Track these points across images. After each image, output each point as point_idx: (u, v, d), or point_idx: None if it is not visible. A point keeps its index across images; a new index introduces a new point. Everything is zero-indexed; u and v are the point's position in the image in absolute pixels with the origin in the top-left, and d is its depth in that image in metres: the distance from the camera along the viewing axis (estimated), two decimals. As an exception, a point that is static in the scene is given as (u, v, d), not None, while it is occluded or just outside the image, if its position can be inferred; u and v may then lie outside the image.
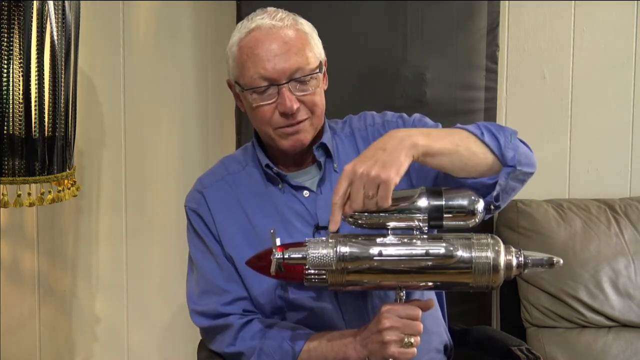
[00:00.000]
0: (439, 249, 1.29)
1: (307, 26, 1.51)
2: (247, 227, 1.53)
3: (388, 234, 1.32)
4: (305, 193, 1.54)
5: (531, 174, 1.44)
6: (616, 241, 2.16)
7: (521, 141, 1.46)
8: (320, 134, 1.56)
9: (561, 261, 1.33)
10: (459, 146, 1.36)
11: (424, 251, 1.29)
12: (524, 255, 1.31)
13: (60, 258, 2.25)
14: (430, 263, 1.29)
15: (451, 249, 1.29)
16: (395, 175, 1.27)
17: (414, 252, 1.30)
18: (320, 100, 1.50)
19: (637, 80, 2.37)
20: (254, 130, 1.60)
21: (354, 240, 1.31)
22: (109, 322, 2.29)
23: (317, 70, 1.48)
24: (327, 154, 1.56)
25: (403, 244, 1.31)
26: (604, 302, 2.11)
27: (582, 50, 2.35)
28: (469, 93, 2.16)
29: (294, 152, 1.52)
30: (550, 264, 1.32)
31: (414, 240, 1.31)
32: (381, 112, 1.64)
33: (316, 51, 1.50)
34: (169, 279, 2.29)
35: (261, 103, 1.47)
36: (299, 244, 1.33)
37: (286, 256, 1.30)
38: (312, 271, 1.34)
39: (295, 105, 1.45)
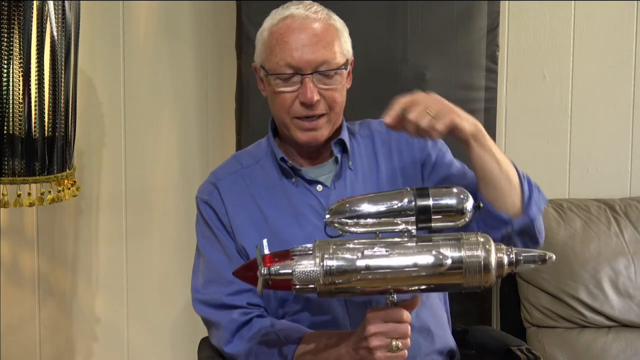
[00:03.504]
0: (428, 258, 1.25)
1: (339, 22, 1.54)
2: (259, 220, 1.54)
3: (377, 236, 1.30)
4: (319, 187, 1.55)
5: (533, 242, 1.48)
6: (616, 241, 2.16)
7: None
8: (338, 131, 1.58)
9: (554, 257, 1.30)
10: (501, 160, 1.42)
11: (413, 262, 1.26)
12: (515, 253, 1.28)
13: (60, 258, 2.25)
14: (419, 273, 1.26)
15: (440, 257, 1.25)
16: (457, 116, 1.34)
17: (402, 263, 1.26)
18: (340, 97, 1.52)
19: (637, 80, 2.37)
20: (269, 124, 1.61)
21: (339, 253, 1.26)
22: (109, 322, 2.29)
23: (343, 67, 1.51)
24: (344, 151, 1.57)
25: (391, 255, 1.26)
26: (604, 302, 2.11)
27: (582, 50, 2.35)
28: (469, 93, 2.16)
29: (308, 147, 1.55)
30: (543, 260, 1.29)
31: (402, 250, 1.27)
32: None
33: (344, 48, 1.52)
34: (169, 279, 2.29)
35: (283, 89, 1.49)
36: (285, 253, 1.30)
37: (272, 272, 1.26)
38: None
39: (316, 97, 1.48)
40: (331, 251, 1.27)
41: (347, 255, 1.26)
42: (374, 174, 1.58)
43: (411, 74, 2.11)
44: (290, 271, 1.26)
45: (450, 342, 1.62)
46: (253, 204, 1.56)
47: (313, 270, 1.25)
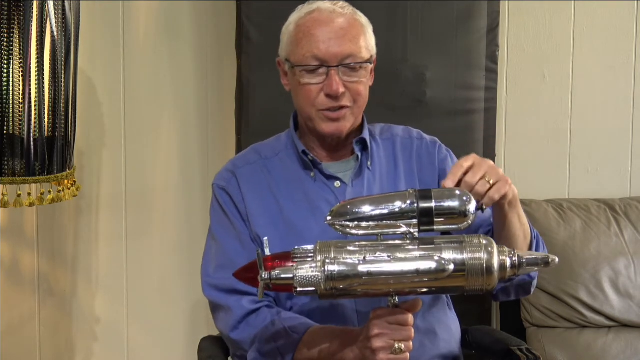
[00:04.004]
0: (430, 264, 1.24)
1: (364, 19, 1.58)
2: (275, 211, 1.55)
3: (379, 238, 1.29)
4: (337, 183, 1.57)
5: (525, 293, 1.60)
6: (616, 241, 2.16)
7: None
8: (359, 128, 1.61)
9: (556, 259, 1.29)
10: (523, 221, 1.47)
11: (415, 269, 1.24)
12: (517, 255, 1.27)
13: (60, 258, 2.25)
14: (422, 279, 1.25)
15: (443, 262, 1.23)
16: (509, 186, 1.36)
17: (404, 269, 1.24)
18: (364, 91, 1.55)
19: (637, 80, 2.37)
20: (291, 118, 1.64)
21: (341, 258, 1.25)
22: (109, 322, 2.29)
23: (368, 62, 1.54)
24: (364, 149, 1.60)
25: (393, 260, 1.25)
26: (604, 302, 2.11)
27: (582, 50, 2.35)
28: (469, 93, 2.16)
29: (330, 138, 1.57)
30: (546, 262, 1.28)
31: (404, 254, 1.25)
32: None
33: (369, 44, 1.56)
34: (169, 279, 2.29)
35: (309, 81, 1.52)
36: (286, 255, 1.29)
37: (274, 276, 1.25)
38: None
39: (341, 89, 1.50)
40: (332, 256, 1.25)
41: (349, 261, 1.25)
42: (392, 176, 1.61)
43: (411, 74, 2.11)
44: (291, 276, 1.24)
45: (456, 349, 1.62)
46: (270, 195, 1.57)
47: (314, 276, 1.24)
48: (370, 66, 1.56)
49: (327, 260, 1.24)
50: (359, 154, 1.58)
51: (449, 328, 1.61)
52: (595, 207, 2.23)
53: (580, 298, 2.11)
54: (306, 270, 1.24)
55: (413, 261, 1.25)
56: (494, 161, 2.16)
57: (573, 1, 2.34)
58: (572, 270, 2.12)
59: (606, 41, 2.36)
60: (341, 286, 1.25)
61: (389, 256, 1.25)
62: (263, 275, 1.25)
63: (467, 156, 1.36)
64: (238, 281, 1.47)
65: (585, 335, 2.12)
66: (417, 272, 1.24)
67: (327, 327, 1.47)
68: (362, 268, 1.24)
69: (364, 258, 1.25)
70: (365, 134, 1.60)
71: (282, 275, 1.25)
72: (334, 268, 1.24)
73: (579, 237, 2.15)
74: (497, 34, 2.18)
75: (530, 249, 1.50)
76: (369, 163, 1.59)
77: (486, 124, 2.18)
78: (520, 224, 1.45)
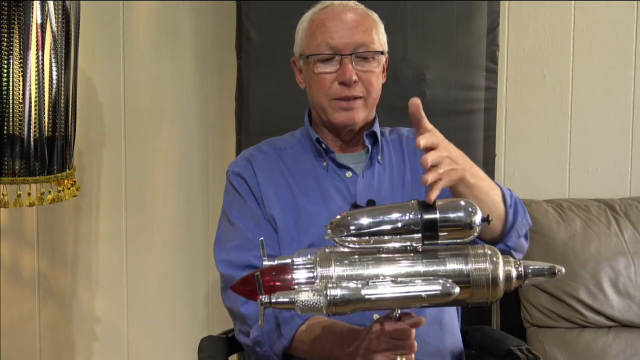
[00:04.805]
0: (436, 288, 1.20)
1: (376, 16, 1.62)
2: (288, 196, 1.59)
3: (381, 251, 1.25)
4: (348, 174, 1.61)
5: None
6: (616, 241, 2.16)
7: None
8: (371, 123, 1.64)
9: (563, 270, 1.26)
10: (488, 192, 1.41)
11: (419, 295, 1.20)
12: (523, 266, 1.24)
13: (60, 258, 2.25)
14: (425, 303, 1.22)
15: (448, 285, 1.19)
16: (462, 169, 1.32)
17: (408, 294, 1.20)
18: (376, 82, 1.59)
19: (637, 80, 2.37)
20: (306, 114, 1.67)
21: (343, 283, 1.21)
22: (109, 322, 2.29)
23: (380, 52, 1.58)
24: (375, 143, 1.64)
25: (397, 283, 1.21)
26: (604, 302, 2.11)
27: (582, 50, 2.35)
28: (469, 93, 2.16)
29: (343, 130, 1.60)
30: (552, 273, 1.25)
31: (408, 270, 1.22)
32: None
33: (381, 38, 1.60)
34: (169, 279, 2.29)
35: (323, 70, 1.56)
36: (285, 268, 1.25)
37: (273, 300, 1.20)
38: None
39: (354, 77, 1.54)
40: (334, 279, 1.22)
41: (352, 285, 1.20)
42: (402, 172, 1.64)
43: (411, 74, 2.11)
44: (292, 300, 1.20)
45: (460, 345, 1.64)
46: (283, 181, 1.61)
47: (316, 301, 1.20)
48: (383, 59, 1.60)
49: (329, 285, 1.20)
50: (370, 147, 1.62)
51: (454, 323, 1.64)
52: (595, 207, 2.23)
53: (580, 298, 2.11)
54: (307, 295, 1.20)
55: (418, 285, 1.21)
56: (493, 161, 2.20)
57: (573, 1, 2.34)
58: (572, 270, 2.11)
59: (606, 41, 2.36)
60: (343, 310, 1.21)
61: (392, 280, 1.21)
62: (263, 299, 1.21)
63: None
64: (254, 257, 1.53)
65: (585, 335, 2.12)
66: (421, 298, 1.20)
67: (329, 322, 1.48)
68: (365, 293, 1.20)
69: (367, 282, 1.21)
70: (376, 128, 1.64)
71: (283, 300, 1.20)
72: (337, 293, 1.20)
73: (579, 237, 2.15)
74: (497, 34, 2.18)
75: (505, 220, 1.45)
76: (379, 157, 1.63)
77: (486, 124, 2.18)
78: (487, 198, 1.40)
